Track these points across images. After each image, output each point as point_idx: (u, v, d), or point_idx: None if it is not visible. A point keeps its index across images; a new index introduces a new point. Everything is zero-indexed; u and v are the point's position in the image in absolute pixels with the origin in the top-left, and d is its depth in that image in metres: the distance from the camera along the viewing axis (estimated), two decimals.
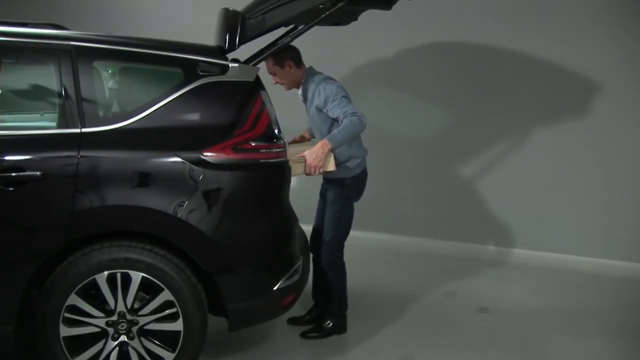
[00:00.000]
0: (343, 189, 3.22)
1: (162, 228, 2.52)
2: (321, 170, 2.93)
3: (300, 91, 3.26)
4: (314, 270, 3.37)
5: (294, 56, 3.18)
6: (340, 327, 3.37)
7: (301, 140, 3.61)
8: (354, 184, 3.25)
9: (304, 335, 3.31)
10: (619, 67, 4.41)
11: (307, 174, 2.92)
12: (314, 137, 3.64)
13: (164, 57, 2.66)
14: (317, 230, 3.36)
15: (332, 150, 2.95)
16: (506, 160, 4.80)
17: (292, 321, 3.47)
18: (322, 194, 3.37)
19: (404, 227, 5.11)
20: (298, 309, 3.36)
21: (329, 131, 3.13)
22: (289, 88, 3.27)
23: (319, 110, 3.13)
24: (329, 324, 3.34)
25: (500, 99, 4.73)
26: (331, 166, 2.94)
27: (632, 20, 4.34)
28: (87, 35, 2.62)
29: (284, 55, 3.11)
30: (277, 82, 3.23)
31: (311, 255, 3.30)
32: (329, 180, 3.22)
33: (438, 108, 4.94)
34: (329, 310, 3.37)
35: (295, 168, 2.85)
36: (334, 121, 3.11)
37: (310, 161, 2.89)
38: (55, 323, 2.47)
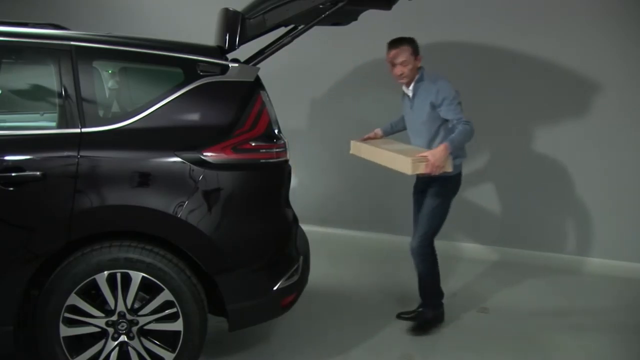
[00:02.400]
0: (447, 186, 3.33)
1: (162, 228, 2.52)
2: (441, 170, 3.03)
3: (410, 87, 3.29)
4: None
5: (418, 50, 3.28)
6: (439, 317, 3.49)
7: (374, 137, 3.66)
8: (454, 181, 3.36)
9: (413, 332, 3.40)
10: (619, 67, 4.41)
11: (428, 174, 3.01)
12: (385, 135, 3.69)
13: (164, 57, 2.66)
14: (415, 222, 3.48)
15: (450, 153, 3.06)
16: (506, 160, 4.80)
17: (401, 316, 3.61)
18: (421, 191, 3.44)
19: (403, 227, 5.10)
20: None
21: (437, 130, 3.23)
22: (409, 82, 3.28)
23: (433, 107, 3.19)
24: (428, 315, 3.44)
25: (500, 99, 4.73)
26: (449, 167, 3.07)
27: (632, 20, 4.35)
28: (87, 35, 2.62)
29: (418, 48, 3.23)
30: (400, 74, 3.23)
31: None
32: (434, 177, 3.24)
33: None
34: (424, 302, 3.48)
35: (417, 167, 2.98)
36: (444, 121, 3.19)
37: (434, 161, 2.97)
38: (55, 323, 2.47)
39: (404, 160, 3.04)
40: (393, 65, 3.25)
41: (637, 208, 4.51)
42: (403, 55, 3.21)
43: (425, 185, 3.40)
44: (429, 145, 3.25)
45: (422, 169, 2.99)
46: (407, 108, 3.39)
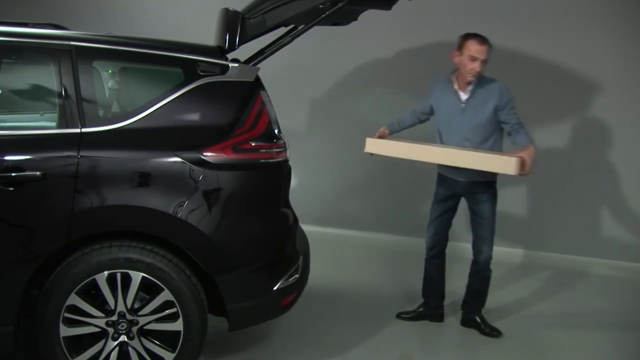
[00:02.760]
0: (494, 189, 3.37)
1: (162, 228, 2.52)
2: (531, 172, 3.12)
3: (469, 87, 3.25)
4: (433, 269, 3.58)
5: None
6: (439, 317, 3.60)
7: (382, 136, 3.57)
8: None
9: (489, 334, 3.42)
10: (619, 67, 4.42)
11: (523, 174, 3.08)
12: (392, 134, 3.62)
13: (164, 57, 2.65)
14: (444, 232, 3.53)
15: None
16: None
17: (401, 316, 3.63)
18: (451, 197, 3.43)
19: (404, 227, 5.11)
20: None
21: (491, 133, 3.26)
22: (471, 82, 3.24)
23: (496, 110, 3.21)
24: (483, 319, 3.49)
25: None
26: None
27: (632, 20, 4.35)
28: (87, 35, 2.61)
29: None
30: (478, 71, 3.19)
31: (426, 255, 3.61)
32: (483, 183, 3.30)
33: None
34: (476, 307, 3.52)
35: (520, 167, 3.03)
36: (499, 125, 3.26)
37: (530, 163, 3.04)
38: (55, 323, 2.47)
39: (502, 160, 3.07)
40: (473, 59, 3.17)
41: (637, 207, 4.52)
42: (487, 53, 3.19)
43: (467, 192, 3.37)
44: (478, 148, 3.24)
45: (520, 170, 3.03)
46: (455, 109, 3.30)
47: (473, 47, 3.17)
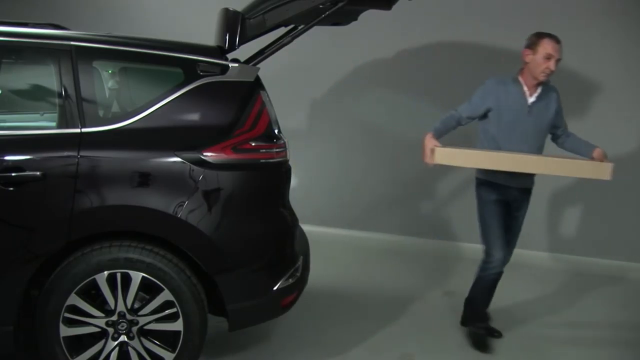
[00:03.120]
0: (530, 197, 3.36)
1: (162, 228, 2.52)
2: None
3: (539, 89, 3.17)
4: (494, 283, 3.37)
5: None
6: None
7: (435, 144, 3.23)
8: None
9: (496, 336, 3.38)
10: (619, 67, 4.42)
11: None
12: (438, 138, 3.27)
13: (164, 57, 2.65)
14: (502, 236, 3.24)
15: None
16: None
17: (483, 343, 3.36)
18: (506, 202, 3.27)
19: (403, 227, 5.11)
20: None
21: (545, 137, 3.26)
22: (540, 84, 3.16)
23: (555, 113, 3.22)
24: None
25: None
26: None
27: (632, 20, 4.35)
28: (87, 35, 2.62)
29: None
30: (552, 71, 3.09)
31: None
32: (529, 189, 3.31)
33: (439, 109, 4.92)
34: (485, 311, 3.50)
35: (611, 172, 3.05)
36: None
37: None
38: (55, 323, 2.47)
39: (599, 166, 3.07)
40: (549, 58, 3.05)
41: (636, 207, 4.51)
42: (559, 52, 3.08)
43: (516, 198, 3.28)
44: (535, 154, 3.14)
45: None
46: (521, 112, 3.15)
47: (549, 45, 3.05)
